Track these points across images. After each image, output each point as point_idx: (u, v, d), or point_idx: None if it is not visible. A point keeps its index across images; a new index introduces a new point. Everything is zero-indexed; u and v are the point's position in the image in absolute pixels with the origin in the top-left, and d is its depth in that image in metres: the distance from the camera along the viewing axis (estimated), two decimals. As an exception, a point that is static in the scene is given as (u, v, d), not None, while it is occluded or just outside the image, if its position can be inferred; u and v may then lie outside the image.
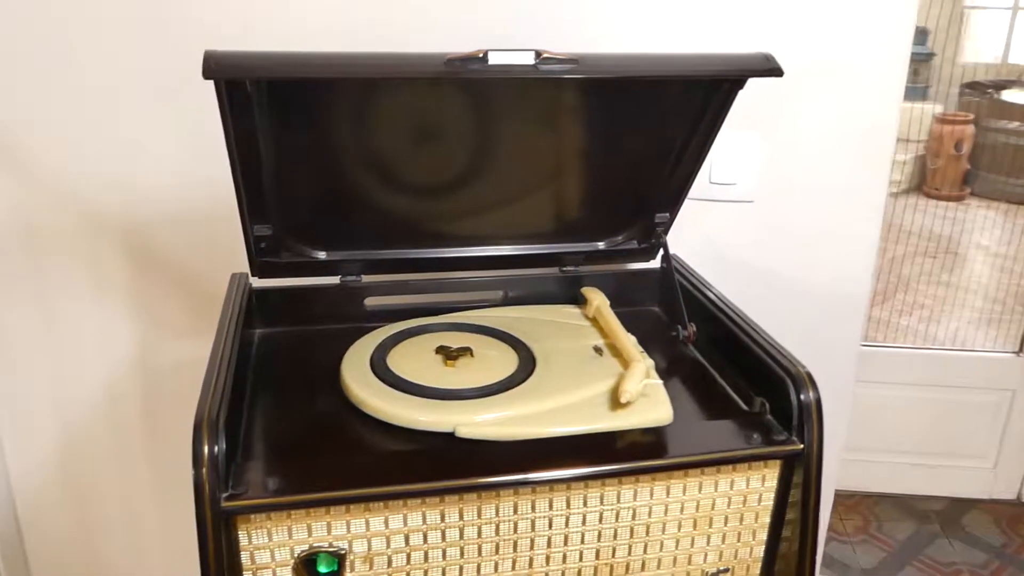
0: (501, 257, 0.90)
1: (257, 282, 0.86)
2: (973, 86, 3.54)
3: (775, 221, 1.03)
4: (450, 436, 0.68)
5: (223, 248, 1.01)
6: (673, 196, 0.87)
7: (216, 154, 0.73)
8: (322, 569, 0.65)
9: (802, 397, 0.68)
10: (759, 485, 0.71)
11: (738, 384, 0.78)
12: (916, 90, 3.26)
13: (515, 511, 0.66)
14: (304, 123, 0.73)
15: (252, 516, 0.61)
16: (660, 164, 0.84)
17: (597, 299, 0.87)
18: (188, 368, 1.09)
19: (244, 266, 0.84)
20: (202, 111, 0.85)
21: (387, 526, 0.64)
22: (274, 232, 0.80)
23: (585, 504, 0.67)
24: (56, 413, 1.11)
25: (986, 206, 3.39)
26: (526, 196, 0.87)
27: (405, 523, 0.64)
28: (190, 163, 0.99)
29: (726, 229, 1.04)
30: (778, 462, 0.70)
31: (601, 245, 0.92)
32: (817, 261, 1.05)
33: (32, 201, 1.00)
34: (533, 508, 0.66)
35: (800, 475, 0.69)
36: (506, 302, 0.92)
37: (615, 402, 0.72)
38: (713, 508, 0.70)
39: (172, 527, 1.19)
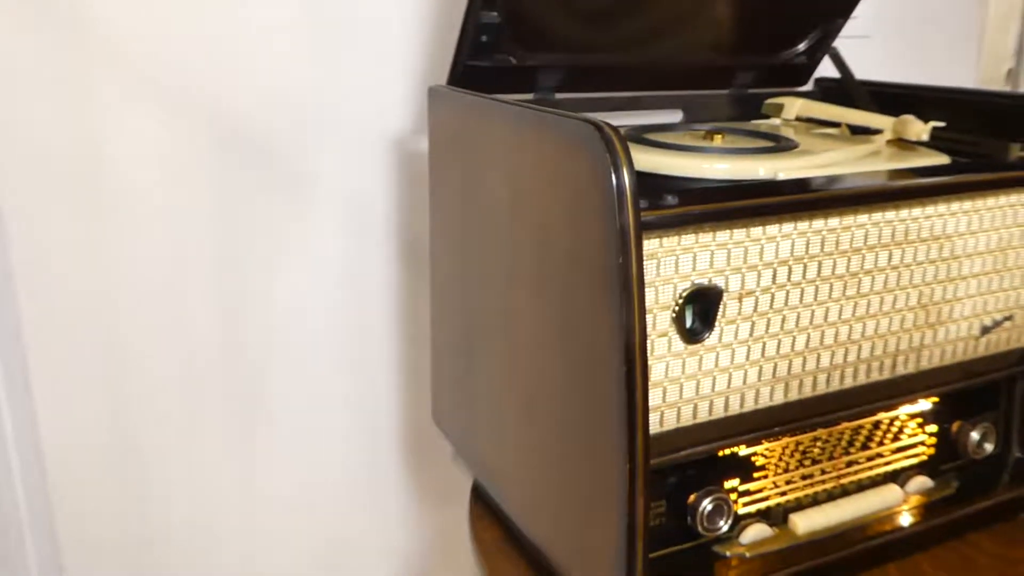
0: (678, 71, 0.88)
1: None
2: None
3: (883, 55, 1.07)
4: (767, 184, 0.64)
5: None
6: (851, -4, 0.88)
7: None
8: (686, 323, 0.58)
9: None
10: (1044, 217, 0.72)
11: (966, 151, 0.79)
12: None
13: (864, 241, 0.63)
14: None
15: (647, 240, 0.54)
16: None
17: (797, 101, 0.86)
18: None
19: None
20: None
21: (761, 258, 0.59)
22: (500, 22, 0.73)
23: (917, 235, 0.65)
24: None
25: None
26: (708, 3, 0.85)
27: (776, 254, 0.59)
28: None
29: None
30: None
31: (776, 58, 0.91)
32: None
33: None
34: (879, 238, 0.63)
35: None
36: (688, 121, 0.89)
37: (897, 148, 0.72)
38: (1010, 243, 0.71)
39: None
